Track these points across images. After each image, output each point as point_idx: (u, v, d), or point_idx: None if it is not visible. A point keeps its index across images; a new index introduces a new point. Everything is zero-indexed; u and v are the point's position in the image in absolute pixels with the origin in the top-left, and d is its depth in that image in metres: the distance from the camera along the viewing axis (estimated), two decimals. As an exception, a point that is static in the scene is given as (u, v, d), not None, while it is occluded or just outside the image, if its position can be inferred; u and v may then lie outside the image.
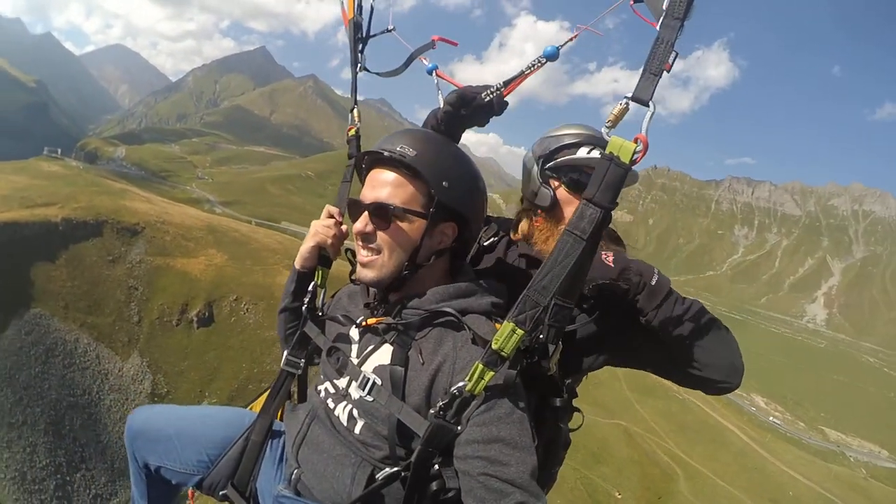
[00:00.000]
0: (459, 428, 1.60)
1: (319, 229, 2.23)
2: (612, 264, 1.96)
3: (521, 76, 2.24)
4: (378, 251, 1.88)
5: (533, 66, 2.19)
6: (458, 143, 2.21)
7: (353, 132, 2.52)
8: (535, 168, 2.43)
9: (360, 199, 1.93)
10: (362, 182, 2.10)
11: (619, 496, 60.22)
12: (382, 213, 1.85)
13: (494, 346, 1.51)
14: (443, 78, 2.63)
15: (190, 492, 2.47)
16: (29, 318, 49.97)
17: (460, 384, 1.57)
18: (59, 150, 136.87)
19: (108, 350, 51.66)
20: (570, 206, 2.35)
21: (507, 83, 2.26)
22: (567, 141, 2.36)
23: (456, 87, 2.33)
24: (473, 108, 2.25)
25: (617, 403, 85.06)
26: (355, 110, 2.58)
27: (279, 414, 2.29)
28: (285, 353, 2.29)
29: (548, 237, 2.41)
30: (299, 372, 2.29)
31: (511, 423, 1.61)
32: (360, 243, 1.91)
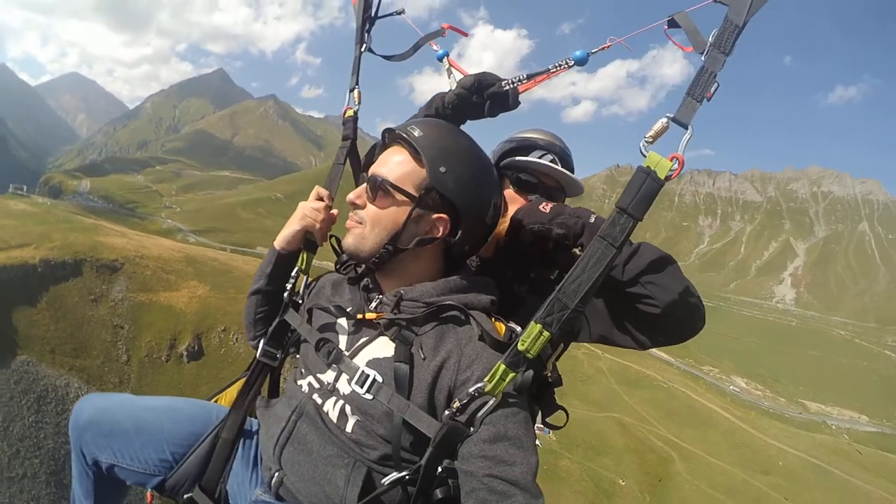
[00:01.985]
0: (472, 430, 1.56)
1: (307, 212, 2.13)
2: (546, 210, 1.97)
3: (545, 73, 2.26)
4: (361, 222, 1.84)
5: (559, 66, 2.21)
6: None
7: (350, 113, 2.40)
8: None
9: (367, 172, 1.90)
10: (360, 167, 2.21)
11: (623, 483, 63.11)
12: (374, 186, 1.81)
13: (521, 348, 1.49)
14: (453, 66, 2.58)
15: (149, 494, 2.19)
16: (16, 367, 49.21)
17: (479, 385, 1.54)
18: (25, 187, 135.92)
19: (99, 392, 50.59)
20: (514, 203, 2.30)
21: (529, 77, 2.28)
22: (521, 144, 2.47)
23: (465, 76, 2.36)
24: (489, 95, 2.26)
25: (607, 398, 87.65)
26: (356, 91, 2.44)
27: (251, 410, 2.12)
28: (261, 342, 2.13)
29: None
30: (275, 364, 2.15)
31: (517, 421, 1.58)
32: (350, 213, 1.90)
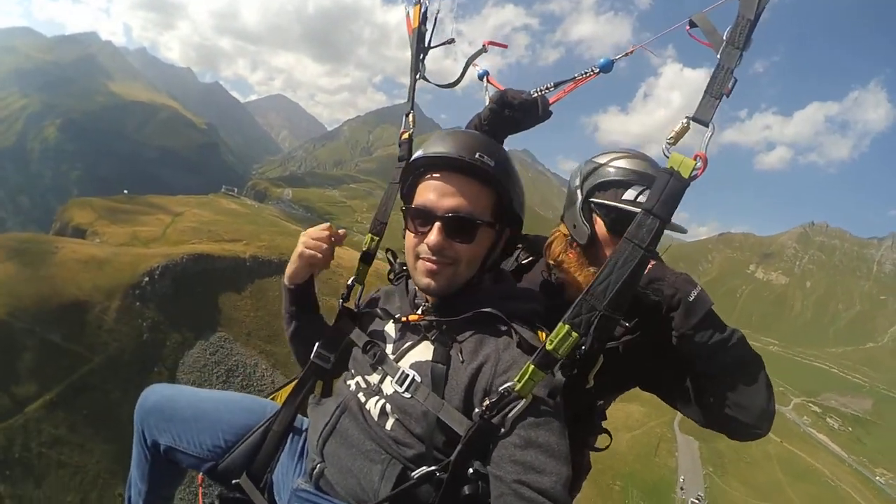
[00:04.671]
0: (503, 430, 1.55)
1: (308, 244, 2.10)
2: (646, 271, 1.78)
3: (572, 82, 2.31)
4: (452, 262, 1.81)
5: (586, 74, 2.26)
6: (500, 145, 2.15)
7: (406, 136, 2.34)
8: (579, 198, 2.27)
9: (430, 207, 1.81)
10: (407, 186, 2.03)
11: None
12: (462, 225, 1.79)
13: (549, 347, 1.47)
14: (492, 83, 2.67)
15: (199, 477, 2.31)
16: (214, 341, 56.59)
17: (508, 384, 1.53)
18: (235, 189, 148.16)
19: (283, 377, 53.79)
20: (608, 247, 2.19)
21: (556, 85, 2.33)
22: (616, 177, 2.18)
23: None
24: (517, 108, 2.29)
25: (769, 486, 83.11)
26: (411, 115, 2.42)
27: (303, 407, 2.15)
28: (316, 346, 2.13)
29: (576, 272, 2.28)
30: (328, 367, 2.12)
31: (551, 429, 1.56)
32: (432, 256, 1.80)
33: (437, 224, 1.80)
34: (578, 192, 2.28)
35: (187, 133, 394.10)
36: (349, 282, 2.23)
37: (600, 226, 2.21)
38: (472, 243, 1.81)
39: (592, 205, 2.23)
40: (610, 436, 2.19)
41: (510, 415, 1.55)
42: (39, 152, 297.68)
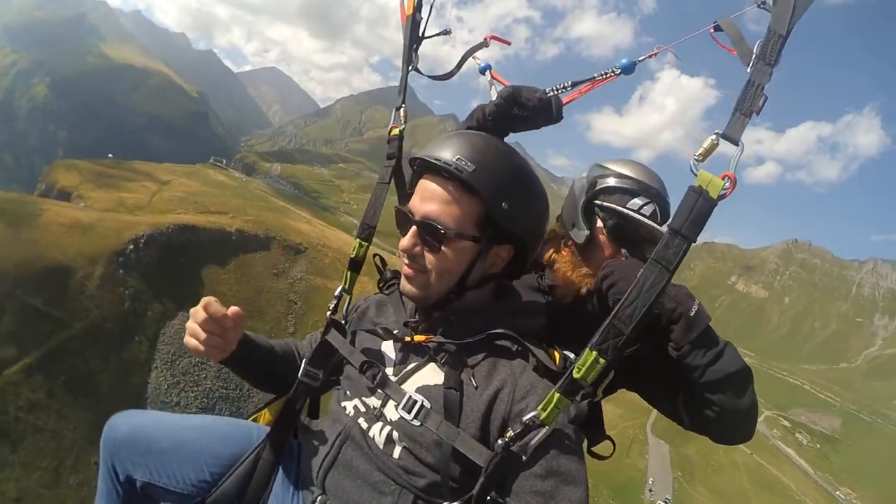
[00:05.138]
0: (524, 458, 1.49)
1: (191, 329, 1.81)
2: None
3: (590, 82, 2.24)
4: (423, 270, 1.73)
5: (605, 74, 2.20)
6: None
7: (396, 132, 2.18)
8: (583, 198, 2.27)
9: (410, 209, 1.75)
10: (404, 187, 2.01)
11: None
12: (432, 233, 1.69)
13: (577, 375, 1.39)
14: (496, 78, 2.52)
15: None
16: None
17: (532, 414, 1.46)
18: (224, 161, 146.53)
19: (136, 409, 55.61)
20: (603, 251, 2.22)
21: (574, 85, 2.23)
22: (624, 184, 2.21)
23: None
24: (530, 106, 2.19)
25: (735, 494, 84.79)
26: (402, 109, 2.24)
27: (293, 431, 2.02)
28: (303, 363, 1.97)
29: (567, 273, 2.27)
30: (317, 385, 1.97)
31: (570, 455, 1.53)
32: (406, 260, 1.77)
33: (413, 228, 1.74)
34: (583, 192, 2.29)
35: (178, 100, 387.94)
36: (336, 292, 2.09)
37: (600, 228, 2.23)
38: (438, 254, 1.71)
39: (596, 206, 2.25)
40: (613, 443, 2.14)
41: (531, 443, 1.49)
42: (27, 111, 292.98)
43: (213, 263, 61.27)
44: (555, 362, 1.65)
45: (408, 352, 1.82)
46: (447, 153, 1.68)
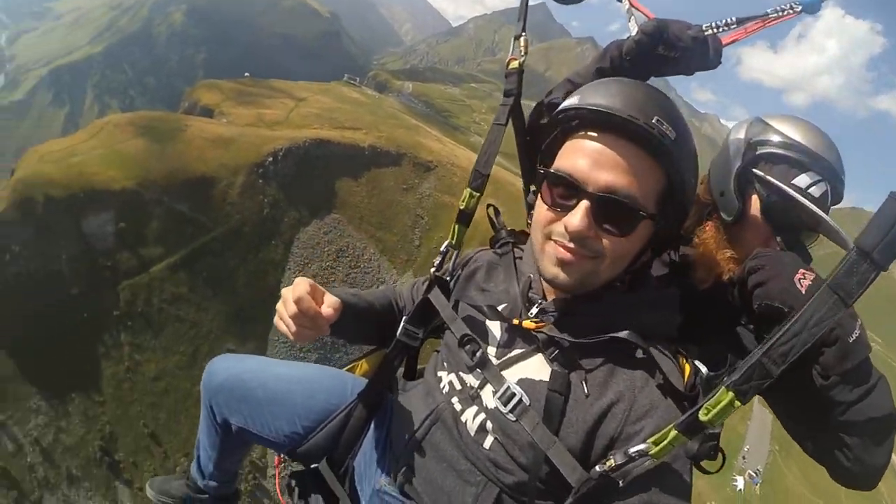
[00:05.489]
0: (621, 484, 1.32)
1: (280, 312, 1.64)
2: (803, 290, 1.47)
3: (761, 20, 1.91)
4: (595, 256, 1.43)
5: (782, 12, 1.87)
6: None
7: (514, 65, 1.91)
8: (738, 162, 1.94)
9: (580, 177, 1.40)
10: (524, 131, 1.83)
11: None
12: (617, 211, 1.39)
13: (703, 418, 1.18)
14: (636, 7, 2.09)
15: (277, 459, 2.21)
16: (328, 221, 59.27)
17: (641, 447, 1.27)
18: (357, 79, 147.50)
19: (389, 263, 58.85)
20: (755, 232, 1.92)
21: (740, 22, 1.87)
22: (792, 153, 1.85)
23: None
24: (678, 48, 1.78)
25: (826, 485, 77.03)
26: (522, 39, 1.99)
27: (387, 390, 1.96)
28: (402, 321, 1.83)
29: (710, 252, 1.98)
30: (416, 344, 1.86)
31: (675, 497, 1.34)
32: (569, 243, 1.43)
33: (585, 203, 1.39)
34: (739, 155, 1.93)
35: (310, 21, 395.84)
36: (442, 247, 1.85)
37: (755, 205, 1.91)
38: (626, 238, 1.42)
39: (753, 176, 1.90)
40: (724, 457, 1.54)
41: (634, 472, 1.30)
42: (166, 37, 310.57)
43: (346, 176, 62.72)
44: (683, 377, 1.41)
45: (514, 334, 1.60)
46: (639, 112, 1.36)
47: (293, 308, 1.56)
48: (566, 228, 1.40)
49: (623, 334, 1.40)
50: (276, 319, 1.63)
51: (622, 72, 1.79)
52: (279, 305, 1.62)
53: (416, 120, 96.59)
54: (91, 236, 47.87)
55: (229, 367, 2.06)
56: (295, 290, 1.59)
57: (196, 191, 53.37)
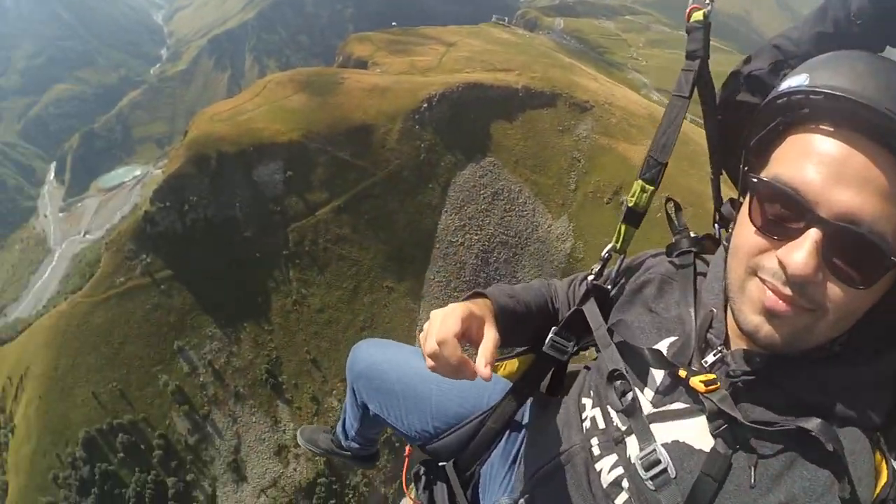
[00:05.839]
0: None
1: (433, 354, 1.29)
2: None
3: None
4: (814, 308, 1.05)
5: None
6: None
7: (699, 15, 1.46)
8: None
9: (810, 195, 1.00)
10: (713, 103, 1.47)
11: None
12: (859, 250, 0.99)
13: None
14: None
15: (408, 449, 2.10)
16: (484, 164, 59.08)
17: None
18: (506, 19, 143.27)
19: (543, 206, 57.51)
20: None
21: None
22: None
23: None
24: None
25: None
26: None
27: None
28: (552, 332, 1.59)
29: None
30: (565, 360, 1.63)
31: None
32: (784, 288, 1.05)
33: (815, 234, 1.01)
34: None
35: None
36: (604, 251, 1.63)
37: None
38: (866, 289, 1.04)
39: None
40: None
41: None
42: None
43: (501, 119, 62.02)
44: (876, 486, 1.07)
45: (677, 383, 1.28)
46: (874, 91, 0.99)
47: (432, 347, 1.27)
48: (783, 267, 1.04)
49: (813, 426, 1.06)
50: (427, 360, 1.32)
51: (850, 39, 1.27)
52: (427, 349, 1.30)
53: (569, 58, 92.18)
54: (262, 184, 52.60)
55: (372, 355, 2.14)
56: (442, 328, 1.29)
57: (356, 138, 55.84)
